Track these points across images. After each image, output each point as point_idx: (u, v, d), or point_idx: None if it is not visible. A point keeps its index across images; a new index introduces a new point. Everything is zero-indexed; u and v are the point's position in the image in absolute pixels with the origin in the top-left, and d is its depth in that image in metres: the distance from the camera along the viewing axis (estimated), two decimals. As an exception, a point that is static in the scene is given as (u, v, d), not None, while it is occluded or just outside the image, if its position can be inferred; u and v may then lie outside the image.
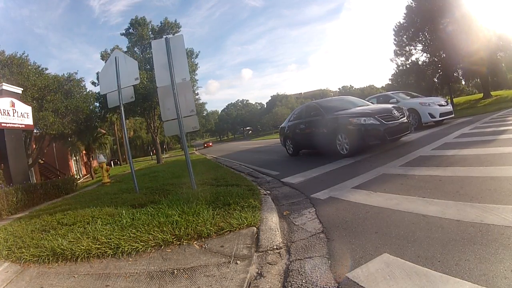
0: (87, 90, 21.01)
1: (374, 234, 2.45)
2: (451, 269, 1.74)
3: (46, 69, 18.79)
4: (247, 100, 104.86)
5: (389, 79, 39.91)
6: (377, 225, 2.63)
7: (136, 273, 2.43)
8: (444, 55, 27.61)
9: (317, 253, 2.32)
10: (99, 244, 2.93)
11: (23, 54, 17.44)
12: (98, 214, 4.23)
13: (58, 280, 2.55)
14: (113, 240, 2.96)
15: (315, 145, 8.49)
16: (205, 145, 62.92)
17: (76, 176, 22.68)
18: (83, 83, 20.51)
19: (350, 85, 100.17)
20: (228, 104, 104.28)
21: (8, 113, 9.33)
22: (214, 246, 2.66)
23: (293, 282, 1.96)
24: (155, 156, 31.35)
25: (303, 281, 1.96)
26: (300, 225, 3.01)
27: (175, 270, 2.36)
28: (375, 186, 3.95)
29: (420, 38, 29.49)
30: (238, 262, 2.34)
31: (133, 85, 6.04)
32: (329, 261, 2.15)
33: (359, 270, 1.92)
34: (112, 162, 45.03)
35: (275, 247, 2.53)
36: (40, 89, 16.62)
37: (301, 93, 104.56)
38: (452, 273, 1.71)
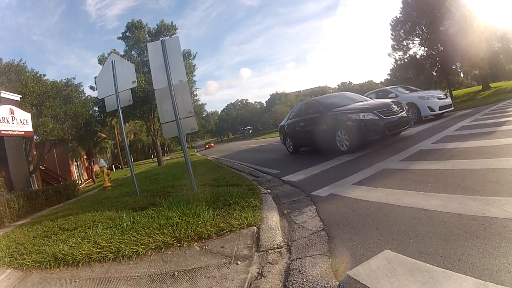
0: (86, 95, 20.99)
1: (375, 231, 2.43)
2: (454, 264, 1.72)
3: (44, 75, 18.75)
4: (247, 100, 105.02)
5: (388, 74, 39.81)
6: (378, 221, 2.61)
7: (137, 276, 2.42)
8: (442, 48, 27.54)
9: (318, 251, 2.30)
10: (100, 248, 2.93)
11: (20, 61, 17.43)
12: (99, 218, 4.23)
13: (60, 285, 2.56)
14: (113, 244, 2.96)
15: (315, 143, 8.46)
16: (207, 145, 62.95)
17: (77, 181, 22.67)
18: (82, 88, 20.48)
19: (349, 81, 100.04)
20: (227, 104, 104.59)
21: (7, 120, 9.34)
22: (214, 247, 2.65)
23: (294, 281, 1.95)
24: (156, 158, 31.37)
25: (304, 280, 1.94)
26: (300, 223, 3.00)
27: (175, 272, 2.35)
28: (375, 181, 3.93)
29: (417, 32, 29.41)
30: (239, 262, 2.32)
31: (130, 88, 6.03)
32: (330, 259, 2.14)
33: (360, 268, 1.91)
34: (113, 166, 45.09)
35: (275, 246, 2.52)
36: (39, 95, 16.61)
37: (300, 90, 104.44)
38: (454, 268, 1.69)
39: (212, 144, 64.81)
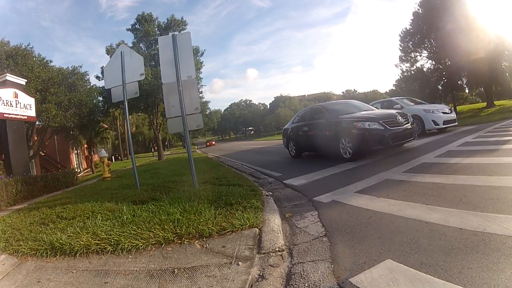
0: (91, 84, 21.06)
1: (377, 240, 2.43)
2: (454, 277, 1.74)
3: (51, 61, 18.79)
4: (250, 101, 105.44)
5: (393, 84, 39.80)
6: (380, 230, 2.61)
7: (136, 271, 2.41)
8: (449, 63, 27.56)
9: (319, 257, 2.30)
10: (98, 240, 2.91)
11: (28, 45, 17.46)
12: (98, 209, 4.21)
13: (55, 274, 2.53)
14: (113, 236, 2.94)
15: (318, 148, 8.47)
16: (208, 143, 62.92)
17: (76, 170, 22.66)
18: (87, 77, 20.52)
19: (354, 89, 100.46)
20: (231, 104, 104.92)
21: (11, 104, 9.34)
22: (215, 246, 2.64)
23: (296, 286, 1.95)
24: (157, 152, 31.39)
25: (306, 284, 1.94)
26: (302, 228, 2.99)
27: (175, 269, 2.34)
28: (378, 191, 3.93)
29: (426, 45, 29.44)
30: (240, 263, 2.32)
31: (137, 81, 6.04)
32: (332, 265, 2.14)
33: (362, 276, 1.91)
34: (113, 157, 45.05)
35: (277, 249, 2.51)
36: (44, 81, 16.61)
37: (304, 95, 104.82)
38: (455, 281, 1.71)
39: (214, 143, 64.83)
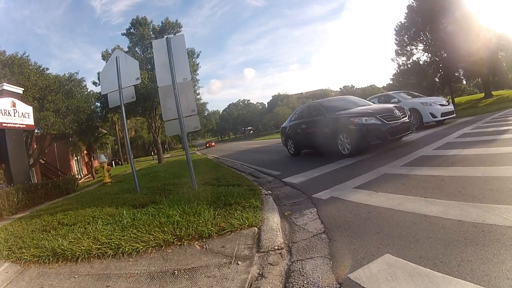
0: (88, 90, 21.08)
1: (376, 235, 2.43)
2: (453, 270, 1.73)
3: (47, 69, 18.85)
4: (249, 100, 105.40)
5: (390, 78, 39.77)
6: (379, 225, 2.61)
7: (137, 273, 2.42)
8: (445, 55, 27.55)
9: (318, 254, 2.30)
10: (99, 245, 2.93)
11: (24, 54, 17.48)
12: (99, 214, 4.23)
13: (58, 280, 2.54)
14: (113, 240, 2.95)
15: (316, 145, 8.48)
16: (208, 144, 63.00)
17: (77, 176, 22.65)
18: (84, 83, 20.55)
19: (351, 85, 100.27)
20: (229, 104, 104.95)
21: (9, 113, 9.33)
22: (215, 247, 2.65)
23: (295, 283, 1.95)
24: (156, 156, 31.40)
25: (305, 281, 1.94)
26: (301, 226, 3.00)
27: (175, 271, 2.35)
28: (376, 186, 3.93)
29: (421, 38, 29.43)
30: (239, 262, 2.32)
31: (134, 85, 6.04)
32: (331, 262, 2.14)
33: (361, 271, 1.91)
34: (113, 162, 45.04)
35: (276, 247, 2.52)
36: (41, 89, 16.63)
37: (302, 93, 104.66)
38: (454, 274, 1.70)
39: (213, 143, 64.86)
